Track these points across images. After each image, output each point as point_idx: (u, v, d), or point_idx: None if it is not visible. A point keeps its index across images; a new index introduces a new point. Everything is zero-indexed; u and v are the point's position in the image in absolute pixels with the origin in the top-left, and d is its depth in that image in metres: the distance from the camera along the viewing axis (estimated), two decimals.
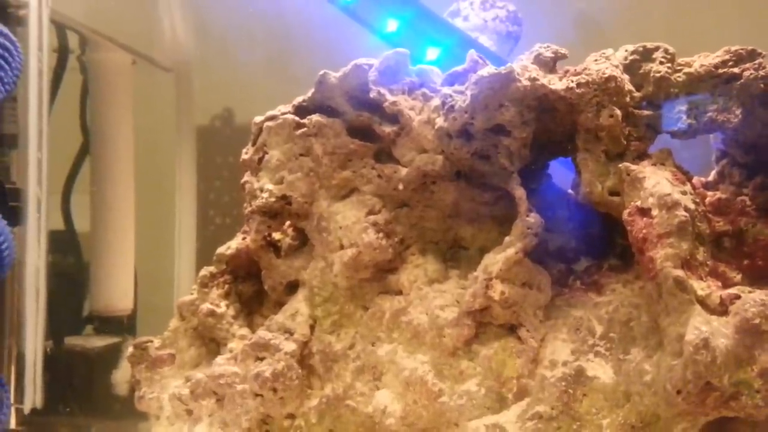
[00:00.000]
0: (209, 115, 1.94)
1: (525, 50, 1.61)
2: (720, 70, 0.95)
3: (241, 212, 1.13)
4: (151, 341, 1.13)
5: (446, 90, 0.96)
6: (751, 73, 0.93)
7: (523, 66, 0.92)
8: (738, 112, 0.94)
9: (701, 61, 0.97)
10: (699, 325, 0.75)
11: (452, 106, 0.95)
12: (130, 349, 1.12)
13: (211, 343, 1.15)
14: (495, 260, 0.94)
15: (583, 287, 1.03)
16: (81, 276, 1.70)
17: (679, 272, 0.78)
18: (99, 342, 1.51)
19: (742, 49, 0.94)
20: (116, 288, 1.62)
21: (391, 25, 1.53)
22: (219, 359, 1.07)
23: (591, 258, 1.07)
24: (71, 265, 1.65)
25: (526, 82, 0.91)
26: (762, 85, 0.94)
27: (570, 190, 1.12)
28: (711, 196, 1.07)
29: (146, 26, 1.80)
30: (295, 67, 1.90)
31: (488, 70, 0.91)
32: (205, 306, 1.12)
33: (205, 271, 1.16)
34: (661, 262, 0.80)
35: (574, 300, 1.00)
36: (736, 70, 0.94)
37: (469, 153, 0.98)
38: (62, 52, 1.66)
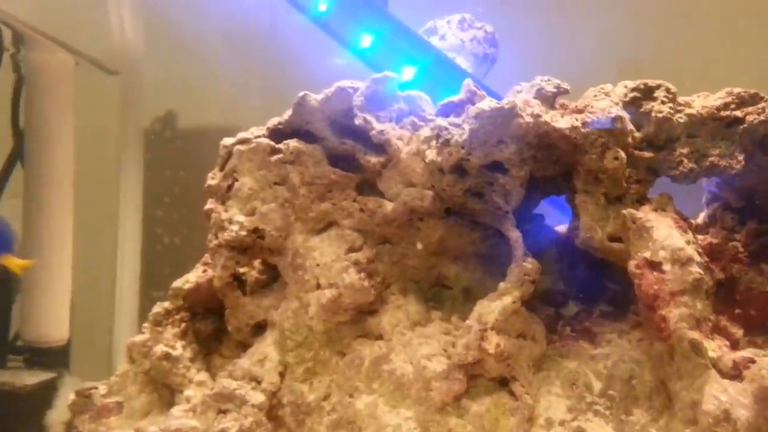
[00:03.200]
0: (158, 124, 1.80)
1: (498, 73, 1.58)
2: (722, 113, 0.91)
3: (192, 232, 1.02)
4: (96, 388, 0.99)
5: (441, 122, 0.89)
6: (754, 118, 0.90)
7: (525, 101, 0.86)
8: (741, 158, 0.91)
9: (702, 102, 0.93)
10: (717, 394, 0.70)
11: (447, 140, 0.87)
12: (72, 397, 0.99)
13: (163, 389, 1.02)
14: (490, 309, 0.87)
15: (573, 335, 0.98)
16: (8, 298, 1.52)
17: (695, 335, 0.73)
18: (31, 378, 1.33)
19: (744, 92, 0.91)
20: (50, 315, 1.45)
21: (365, 40, 1.44)
22: (175, 410, 0.95)
23: (579, 302, 1.02)
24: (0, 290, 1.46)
25: (529, 119, 0.85)
26: (764, 131, 0.91)
27: (557, 229, 1.07)
28: (702, 240, 1.04)
29: (92, 26, 1.64)
30: (253, 73, 1.78)
31: (489, 103, 0.84)
32: (159, 348, 1.00)
33: (159, 307, 1.03)
34: (676, 323, 0.74)
35: (566, 350, 0.94)
36: (738, 113, 0.91)
37: (462, 190, 0.91)
38: None
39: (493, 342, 0.85)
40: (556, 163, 0.93)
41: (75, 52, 1.58)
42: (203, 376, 1.00)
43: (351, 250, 0.95)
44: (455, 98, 0.90)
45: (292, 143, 0.95)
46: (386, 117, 0.94)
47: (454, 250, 1.00)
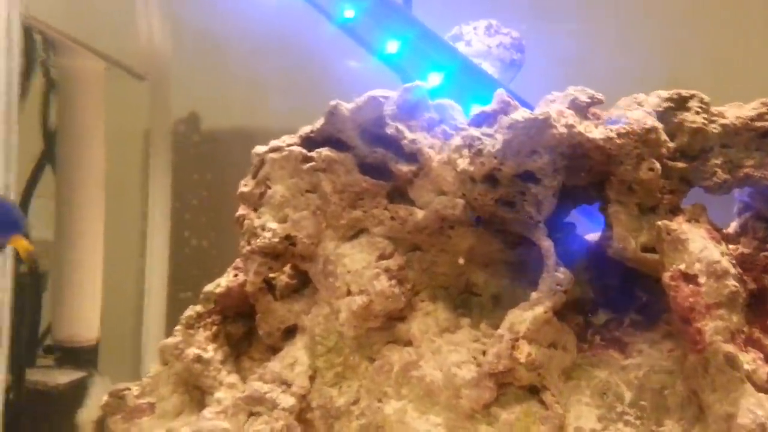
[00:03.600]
0: (185, 127, 1.82)
1: (524, 79, 1.58)
2: (756, 123, 0.91)
3: (219, 235, 1.04)
4: (129, 389, 1.01)
5: (473, 131, 0.89)
6: None
7: (559, 111, 0.86)
8: None
9: (736, 112, 0.93)
10: (753, 408, 0.70)
11: (480, 150, 0.88)
12: (105, 398, 1.00)
13: (194, 390, 1.04)
14: (522, 318, 0.87)
15: (603, 343, 0.98)
16: (38, 297, 1.54)
17: (730, 348, 0.73)
18: (63, 377, 1.36)
19: None
20: (81, 315, 1.48)
21: (392, 46, 1.45)
22: (207, 412, 0.96)
23: (609, 310, 1.02)
24: (30, 287, 1.49)
25: (563, 129, 0.85)
26: None
27: (587, 238, 1.07)
28: (733, 250, 1.04)
29: (121, 32, 1.67)
30: (279, 77, 1.80)
31: (523, 114, 0.85)
32: (191, 350, 1.01)
33: (191, 310, 1.05)
34: (711, 336, 0.74)
35: (596, 359, 0.94)
36: None
37: (494, 199, 0.91)
38: (29, 56, 1.52)
39: (525, 351, 0.85)
40: (588, 172, 0.93)
41: (104, 58, 1.62)
42: (234, 378, 1.02)
43: (382, 257, 0.96)
44: (488, 108, 0.90)
45: (324, 151, 0.96)
46: (417, 126, 0.95)
47: (482, 257, 1.01)
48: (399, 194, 0.98)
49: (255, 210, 0.99)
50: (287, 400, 0.93)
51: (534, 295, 0.88)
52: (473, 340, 0.96)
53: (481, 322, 0.98)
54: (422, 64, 1.44)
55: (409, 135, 0.93)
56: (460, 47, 1.50)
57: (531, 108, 0.92)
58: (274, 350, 1.03)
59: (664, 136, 0.89)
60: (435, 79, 1.43)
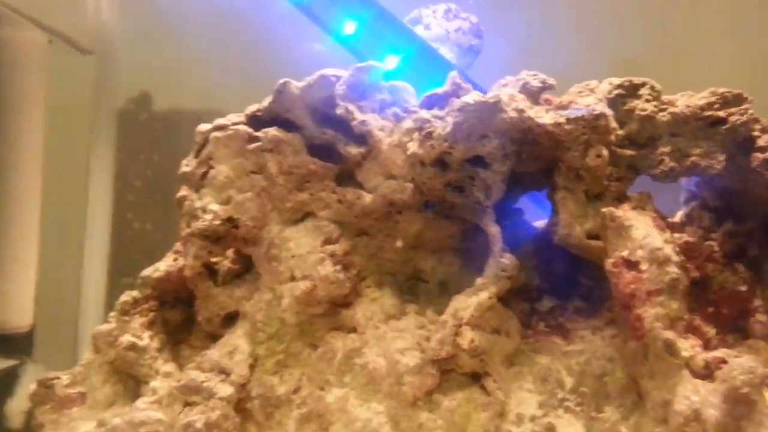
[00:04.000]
0: (133, 105, 1.75)
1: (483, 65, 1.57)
2: (706, 113, 0.91)
3: (164, 218, 1.00)
4: (58, 377, 0.96)
5: (424, 114, 0.87)
6: (736, 119, 0.90)
7: (510, 95, 0.85)
8: (721, 158, 0.91)
9: (686, 101, 0.93)
10: (689, 395, 0.70)
11: (430, 133, 0.86)
12: (33, 387, 0.95)
13: (129, 380, 1.00)
14: (466, 305, 0.86)
15: (547, 330, 0.97)
16: None
17: (670, 335, 0.73)
18: None
19: (728, 92, 0.91)
20: (14, 300, 1.40)
21: (349, 27, 1.42)
22: (140, 402, 0.92)
23: (554, 297, 1.02)
24: None
25: (513, 114, 0.83)
26: (746, 132, 0.91)
27: (535, 224, 1.06)
28: (678, 238, 1.05)
29: (66, 4, 1.59)
30: (234, 57, 1.74)
31: (474, 97, 0.83)
32: (125, 338, 0.97)
33: (127, 296, 1.00)
34: (651, 323, 0.74)
35: (539, 345, 0.94)
36: (722, 113, 0.91)
37: (443, 183, 0.89)
38: None
39: (468, 338, 0.84)
40: (537, 158, 0.92)
41: (48, 30, 1.53)
42: (170, 367, 0.98)
43: (327, 241, 0.94)
44: (439, 90, 0.89)
45: (271, 131, 0.92)
46: (369, 107, 0.92)
47: (431, 243, 0.99)
48: (348, 177, 0.95)
49: (196, 191, 0.95)
50: (225, 389, 0.90)
51: (479, 281, 0.87)
52: (419, 326, 0.94)
53: (428, 309, 0.97)
54: (379, 46, 1.41)
55: (359, 116, 0.90)
56: (419, 31, 1.47)
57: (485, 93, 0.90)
58: (214, 338, 0.99)
59: (613, 123, 0.89)
60: (392, 62, 1.40)
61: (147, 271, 1.01)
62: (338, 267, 0.91)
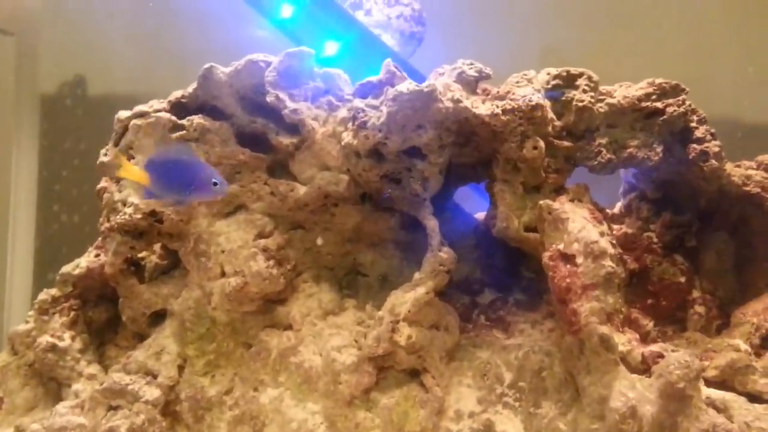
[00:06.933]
0: (58, 89, 1.65)
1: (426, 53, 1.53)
2: (643, 104, 0.90)
3: (93, 210, 0.93)
4: None
5: (358, 103, 0.83)
6: (674, 110, 0.90)
7: (446, 85, 0.82)
8: (659, 149, 0.90)
9: (624, 92, 0.92)
10: (625, 391, 0.70)
11: (364, 123, 0.82)
12: None
13: (50, 383, 0.94)
14: (403, 300, 0.83)
15: (488, 323, 0.96)
16: None
17: (605, 329, 0.72)
18: None
19: (665, 83, 0.91)
20: None
21: (286, 11, 1.36)
22: (61, 407, 0.87)
23: (495, 290, 1.00)
24: None
25: (449, 104, 0.81)
26: (683, 123, 0.90)
27: (476, 216, 1.04)
28: (617, 230, 1.05)
29: None
30: (167, 40, 1.66)
31: (408, 86, 0.80)
32: (45, 339, 0.91)
33: (45, 294, 0.94)
34: (586, 317, 0.73)
35: (479, 339, 0.92)
36: (659, 104, 0.90)
37: (379, 175, 0.86)
38: None
39: (405, 334, 0.82)
40: (476, 150, 0.90)
41: None
42: (94, 369, 0.93)
43: (260, 235, 0.90)
44: (374, 78, 0.85)
45: (197, 119, 0.87)
46: (301, 95, 0.88)
47: (369, 236, 0.96)
48: (280, 168, 0.91)
49: (117, 182, 0.89)
50: (151, 392, 0.85)
51: (416, 276, 0.85)
52: (357, 322, 0.92)
53: (368, 303, 0.94)
54: (318, 31, 1.36)
55: (290, 104, 0.86)
56: (359, 16, 1.43)
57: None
58: (141, 337, 0.94)
59: (550, 114, 0.87)
60: (331, 49, 1.36)
61: (67, 268, 0.95)
62: (271, 262, 0.88)
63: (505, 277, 1.00)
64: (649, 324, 0.90)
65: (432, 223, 0.86)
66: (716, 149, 0.92)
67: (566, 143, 0.90)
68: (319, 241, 0.89)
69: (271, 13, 1.34)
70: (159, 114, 0.87)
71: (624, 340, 0.76)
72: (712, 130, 0.93)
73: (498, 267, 1.01)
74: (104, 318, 0.97)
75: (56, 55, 1.56)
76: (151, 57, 1.64)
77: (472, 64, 0.86)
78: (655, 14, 1.68)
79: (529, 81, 0.90)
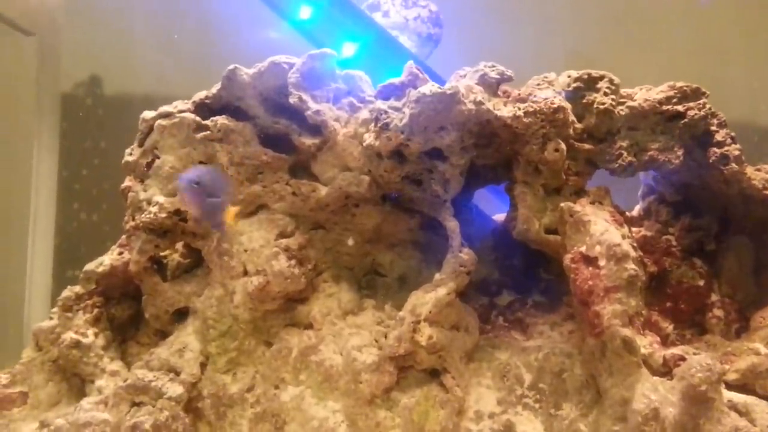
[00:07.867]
0: (79, 90, 1.66)
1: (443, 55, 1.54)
2: (664, 107, 0.91)
3: (112, 208, 0.95)
4: None
5: (380, 104, 0.84)
6: (694, 113, 0.90)
7: (468, 87, 0.82)
8: (680, 153, 0.90)
9: (645, 95, 0.92)
10: (648, 393, 0.70)
11: (386, 124, 0.83)
12: None
13: (73, 378, 0.95)
14: (424, 301, 0.84)
15: (506, 325, 0.97)
16: None
17: (627, 332, 0.73)
18: None
19: (686, 86, 0.91)
20: None
21: (305, 12, 1.37)
22: (85, 402, 0.88)
23: (513, 291, 1.01)
24: None
25: (471, 106, 0.81)
26: (704, 126, 0.90)
27: (495, 218, 1.05)
28: (636, 233, 1.05)
29: None
30: (186, 42, 1.67)
31: (431, 88, 0.80)
32: (69, 335, 0.92)
33: (69, 291, 0.96)
34: (609, 320, 0.73)
35: (498, 340, 0.93)
36: (680, 108, 0.90)
37: (400, 176, 0.87)
38: None
39: (426, 334, 0.82)
40: (496, 151, 0.90)
41: None
42: (117, 365, 0.94)
43: (281, 235, 0.90)
44: (396, 80, 0.86)
45: (220, 120, 0.88)
46: (323, 96, 0.89)
47: (389, 237, 0.97)
48: (302, 169, 0.92)
49: (141, 182, 0.90)
50: (174, 389, 0.86)
51: (437, 276, 0.85)
52: (377, 322, 0.92)
53: (387, 304, 0.95)
54: (336, 33, 1.37)
55: (313, 106, 0.87)
56: (377, 18, 1.44)
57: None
58: (163, 335, 0.95)
59: (571, 117, 0.88)
60: (349, 50, 1.36)
61: (90, 266, 0.96)
62: (293, 262, 0.88)
63: (523, 279, 1.01)
64: (668, 327, 0.90)
65: (452, 225, 0.87)
66: (736, 153, 0.92)
67: (587, 146, 0.90)
68: (350, 242, 0.90)
69: (290, 14, 1.35)
70: (183, 114, 0.88)
71: (646, 343, 0.76)
72: (732, 134, 0.93)
73: (516, 269, 1.02)
74: (126, 315, 0.98)
75: (77, 55, 1.58)
76: (171, 57, 1.66)
77: (493, 66, 0.86)
78: (674, 19, 1.68)
79: (550, 83, 0.90)
